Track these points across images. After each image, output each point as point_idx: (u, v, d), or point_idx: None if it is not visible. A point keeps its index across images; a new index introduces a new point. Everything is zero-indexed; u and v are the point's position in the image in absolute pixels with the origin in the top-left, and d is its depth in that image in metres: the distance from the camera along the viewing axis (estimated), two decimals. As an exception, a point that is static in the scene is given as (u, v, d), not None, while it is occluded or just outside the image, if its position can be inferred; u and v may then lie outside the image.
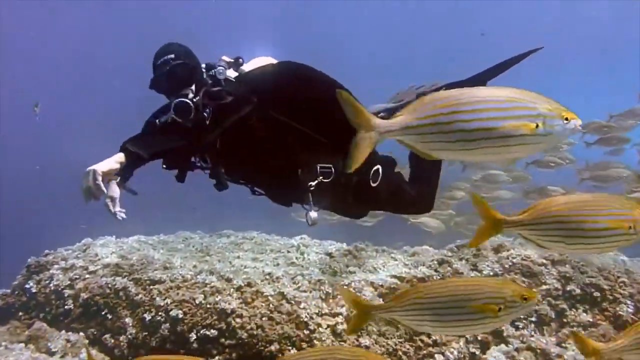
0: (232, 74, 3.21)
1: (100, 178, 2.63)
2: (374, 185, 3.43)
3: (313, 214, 3.27)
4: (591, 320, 4.45)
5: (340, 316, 4.45)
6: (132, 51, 13.93)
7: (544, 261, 4.92)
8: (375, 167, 3.41)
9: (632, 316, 4.40)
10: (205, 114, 2.97)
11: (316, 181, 3.21)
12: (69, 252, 5.39)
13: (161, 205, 13.74)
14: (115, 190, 3.00)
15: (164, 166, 3.18)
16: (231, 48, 3.35)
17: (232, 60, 3.23)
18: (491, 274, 4.87)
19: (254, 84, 3.15)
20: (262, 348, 4.26)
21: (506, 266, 4.94)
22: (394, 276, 5.04)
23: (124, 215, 2.90)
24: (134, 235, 6.39)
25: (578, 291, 4.56)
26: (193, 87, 3.04)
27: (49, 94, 17.74)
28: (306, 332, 4.34)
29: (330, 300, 4.69)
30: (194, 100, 2.98)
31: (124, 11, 22.09)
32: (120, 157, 2.77)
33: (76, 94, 22.95)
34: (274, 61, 3.42)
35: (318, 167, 3.22)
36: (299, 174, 3.22)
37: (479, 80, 3.62)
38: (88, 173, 2.64)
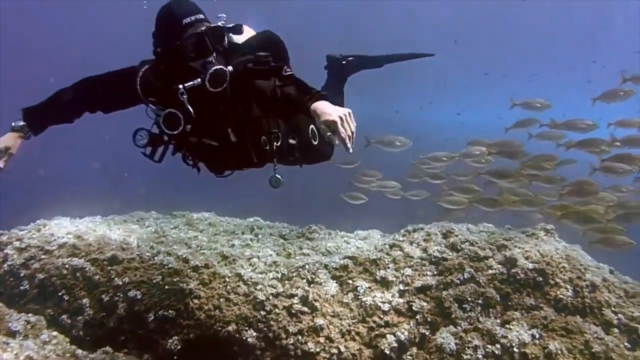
0: None
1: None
2: (315, 143, 3.85)
3: (278, 176, 3.45)
4: (534, 303, 4.67)
5: (296, 297, 4.58)
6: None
7: (491, 246, 5.14)
8: (310, 127, 3.80)
9: (571, 299, 4.65)
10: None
11: (274, 145, 3.46)
12: (23, 232, 5.28)
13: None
14: (17, 145, 3.08)
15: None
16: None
17: (231, 27, 3.21)
18: (440, 257, 5.07)
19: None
20: (220, 329, 4.36)
21: (455, 249, 5.14)
22: (348, 257, 5.19)
23: (4, 171, 2.98)
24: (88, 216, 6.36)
25: (522, 275, 4.77)
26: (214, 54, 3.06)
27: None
28: (263, 312, 4.45)
29: (286, 282, 4.82)
30: (229, 69, 3.03)
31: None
32: None
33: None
34: (253, 31, 3.54)
35: (271, 133, 3.45)
36: (262, 141, 3.45)
37: (379, 60, 4.91)
38: (348, 115, 2.58)
